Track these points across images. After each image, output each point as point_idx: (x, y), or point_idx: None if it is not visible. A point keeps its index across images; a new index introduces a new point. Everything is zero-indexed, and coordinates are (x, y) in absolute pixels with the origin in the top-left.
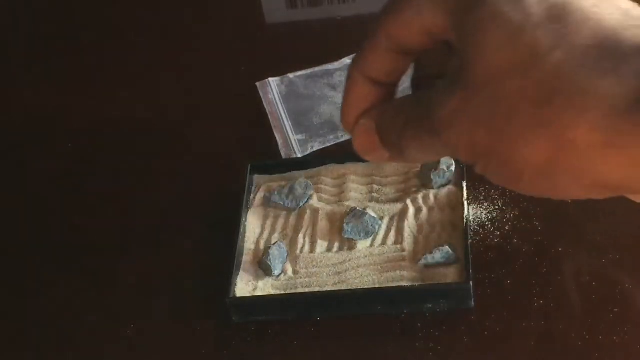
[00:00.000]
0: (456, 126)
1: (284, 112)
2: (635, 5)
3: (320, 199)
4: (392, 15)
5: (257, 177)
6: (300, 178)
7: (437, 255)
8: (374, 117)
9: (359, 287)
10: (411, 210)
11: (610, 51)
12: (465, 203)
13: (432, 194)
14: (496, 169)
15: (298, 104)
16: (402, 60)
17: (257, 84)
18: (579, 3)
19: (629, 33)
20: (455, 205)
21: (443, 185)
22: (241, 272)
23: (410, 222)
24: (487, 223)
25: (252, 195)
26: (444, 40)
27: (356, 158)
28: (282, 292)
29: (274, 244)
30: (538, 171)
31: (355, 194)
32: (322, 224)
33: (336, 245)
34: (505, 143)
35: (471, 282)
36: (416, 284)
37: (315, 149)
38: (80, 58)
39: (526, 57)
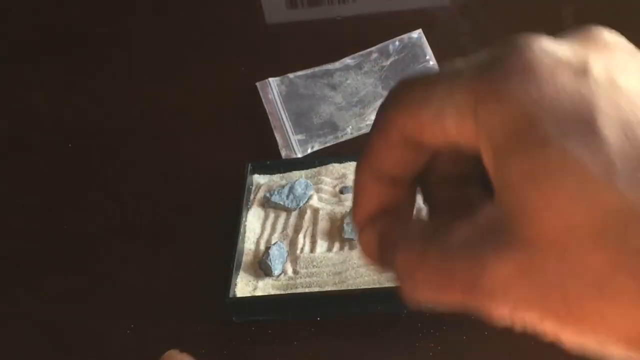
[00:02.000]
0: (513, 294)
1: (284, 112)
2: None
3: (320, 199)
4: (404, 112)
5: (257, 177)
6: (300, 178)
7: None
8: (379, 228)
9: (359, 287)
10: None
11: None
12: None
13: None
14: (570, 335)
15: (298, 104)
16: (420, 154)
17: (257, 84)
18: None
19: None
20: None
21: None
22: (241, 272)
23: None
24: None
25: (252, 195)
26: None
27: (356, 158)
28: (282, 292)
29: (274, 244)
30: (632, 345)
31: None
32: (322, 224)
33: (336, 245)
34: (593, 313)
35: None
36: None
37: (315, 149)
38: (81, 58)
39: (619, 227)
